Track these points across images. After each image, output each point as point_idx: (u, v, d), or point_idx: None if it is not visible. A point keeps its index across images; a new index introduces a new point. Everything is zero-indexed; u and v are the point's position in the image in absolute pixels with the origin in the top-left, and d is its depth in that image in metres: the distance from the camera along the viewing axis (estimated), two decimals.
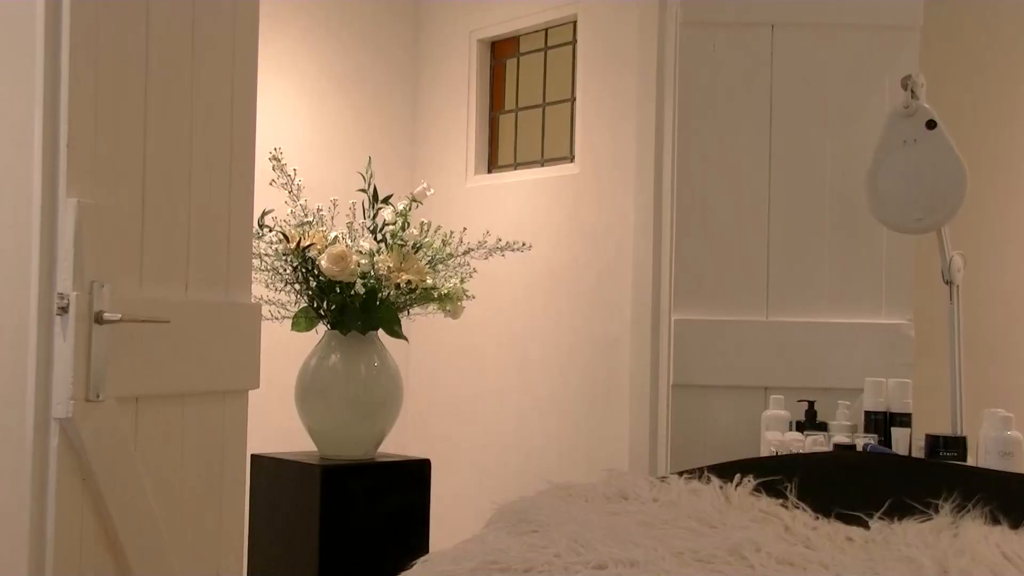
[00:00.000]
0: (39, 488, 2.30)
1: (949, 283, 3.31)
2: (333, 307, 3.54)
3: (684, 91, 3.79)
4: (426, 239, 3.62)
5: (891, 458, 2.95)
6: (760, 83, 3.72)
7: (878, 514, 2.07)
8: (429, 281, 3.57)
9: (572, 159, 4.63)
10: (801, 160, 3.70)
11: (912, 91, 3.29)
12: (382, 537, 3.52)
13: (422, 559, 1.91)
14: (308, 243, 3.45)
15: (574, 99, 4.64)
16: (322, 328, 3.61)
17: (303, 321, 3.57)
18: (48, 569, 2.29)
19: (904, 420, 3.21)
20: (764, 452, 3.33)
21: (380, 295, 3.51)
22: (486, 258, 3.71)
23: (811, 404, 3.40)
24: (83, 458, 2.34)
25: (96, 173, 2.40)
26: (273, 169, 3.50)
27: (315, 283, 3.50)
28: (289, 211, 3.56)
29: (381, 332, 3.60)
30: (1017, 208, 3.84)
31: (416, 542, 3.61)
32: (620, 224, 4.29)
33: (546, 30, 4.83)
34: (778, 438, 3.28)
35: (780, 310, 3.67)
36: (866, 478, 2.46)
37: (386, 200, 3.62)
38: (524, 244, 3.72)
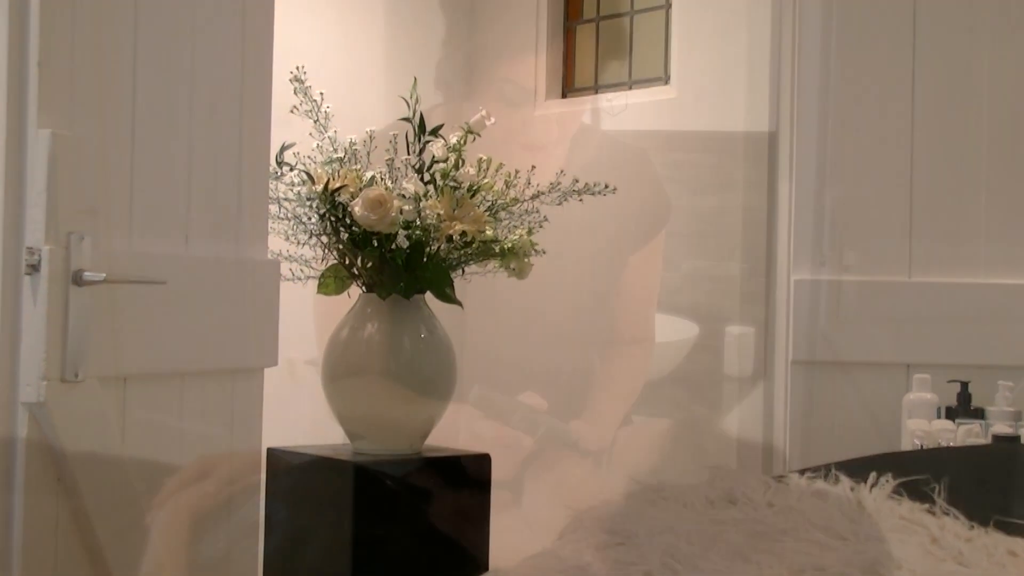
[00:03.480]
0: (4, 489, 2.32)
1: None
2: (369, 265, 3.52)
3: None
4: (485, 180, 3.60)
5: None
6: None
7: None
8: (489, 232, 3.55)
9: (667, 81, 4.61)
10: (953, 79, 3.68)
11: None
12: (430, 549, 3.52)
13: None
14: (338, 185, 3.44)
15: (669, 5, 4.60)
16: (356, 291, 3.60)
17: (332, 282, 3.56)
18: None
19: None
20: (906, 445, 3.35)
21: (428, 250, 3.50)
22: (560, 204, 3.67)
23: (964, 385, 3.40)
24: (58, 452, 2.36)
25: (74, 98, 2.42)
26: (295, 93, 3.48)
27: (347, 235, 3.49)
28: (315, 145, 3.54)
29: (429, 296, 3.59)
30: None
31: (473, 556, 3.61)
32: (727, 161, 4.25)
33: None
34: (923, 427, 3.29)
35: (927, 268, 3.66)
36: None
37: (435, 131, 3.60)
38: (607, 186, 3.68)
